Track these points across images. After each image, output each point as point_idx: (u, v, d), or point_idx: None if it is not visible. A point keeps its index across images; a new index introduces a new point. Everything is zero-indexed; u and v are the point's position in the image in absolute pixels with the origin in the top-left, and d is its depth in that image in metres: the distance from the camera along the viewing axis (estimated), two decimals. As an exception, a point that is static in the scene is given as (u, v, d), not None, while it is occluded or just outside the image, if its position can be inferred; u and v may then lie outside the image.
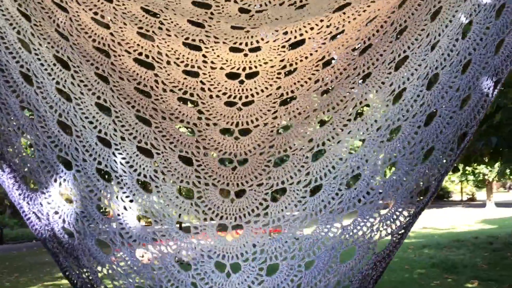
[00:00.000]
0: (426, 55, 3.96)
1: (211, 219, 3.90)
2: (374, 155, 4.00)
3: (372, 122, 4.00)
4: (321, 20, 3.80)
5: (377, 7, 3.89)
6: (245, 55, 3.65)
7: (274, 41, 3.81)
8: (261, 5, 3.97)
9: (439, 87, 3.98)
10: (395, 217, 3.84)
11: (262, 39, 3.82)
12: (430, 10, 3.96)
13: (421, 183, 3.93)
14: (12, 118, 3.84)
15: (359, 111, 4.00)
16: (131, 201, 3.96)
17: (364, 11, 3.84)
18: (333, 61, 3.97)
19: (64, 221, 3.78)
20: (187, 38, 3.76)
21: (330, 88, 3.98)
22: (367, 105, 3.99)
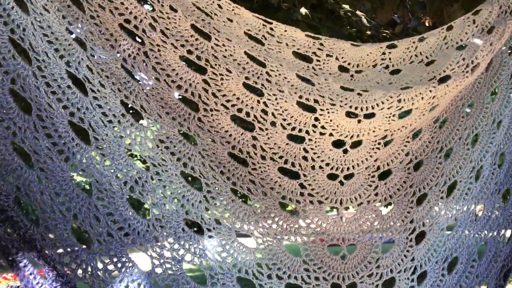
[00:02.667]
0: (494, 134, 2.40)
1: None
2: (467, 235, 2.29)
3: (461, 201, 2.30)
4: (430, 91, 2.06)
5: (469, 82, 2.22)
6: (359, 121, 2.03)
7: (388, 108, 2.04)
8: (358, 65, 2.16)
9: (507, 166, 2.47)
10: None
11: (377, 105, 2.02)
12: (488, 89, 2.41)
13: (507, 263, 2.33)
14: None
15: (449, 188, 2.28)
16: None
17: (460, 85, 2.14)
18: (420, 133, 2.28)
19: None
20: (301, 97, 1.90)
21: (420, 162, 2.27)
22: (455, 182, 2.30)
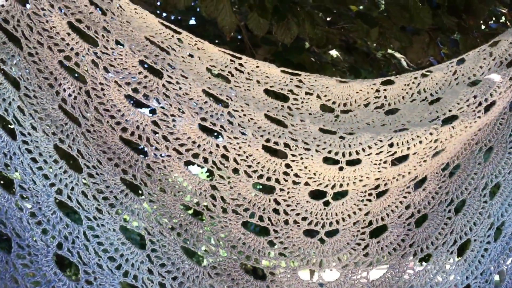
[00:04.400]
0: None
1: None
2: None
3: (476, 264, 1.86)
4: (431, 134, 1.72)
5: (481, 122, 1.87)
6: (341, 169, 1.70)
7: (377, 153, 1.70)
8: (345, 104, 1.85)
9: None
10: None
11: (363, 150, 1.69)
12: None
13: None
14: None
15: (460, 248, 1.88)
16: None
17: (470, 126, 1.79)
18: (424, 183, 1.91)
19: None
20: (267, 140, 1.60)
21: (424, 216, 1.88)
22: (468, 241, 1.89)
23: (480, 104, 1.78)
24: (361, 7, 4.31)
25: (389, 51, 5.36)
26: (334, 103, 1.81)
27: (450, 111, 1.78)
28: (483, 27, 4.50)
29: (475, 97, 1.79)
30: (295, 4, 3.40)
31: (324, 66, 4.48)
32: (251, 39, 4.06)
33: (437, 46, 4.40)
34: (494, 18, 4.16)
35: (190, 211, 1.60)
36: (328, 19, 4.51)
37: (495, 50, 1.90)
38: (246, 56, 1.70)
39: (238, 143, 1.55)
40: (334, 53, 5.14)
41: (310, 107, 1.76)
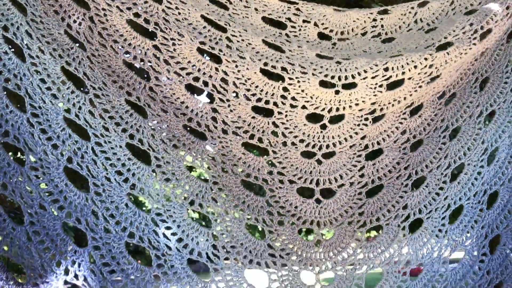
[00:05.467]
0: None
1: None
2: (476, 226, 1.89)
3: (469, 186, 1.91)
4: (425, 59, 1.73)
5: (477, 50, 1.87)
6: (337, 92, 1.73)
7: (373, 77, 1.72)
8: (342, 33, 1.86)
9: None
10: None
11: (359, 74, 1.71)
12: (510, 62, 2.03)
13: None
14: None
15: (454, 171, 1.93)
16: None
17: (465, 53, 1.79)
18: (420, 110, 1.94)
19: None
20: (265, 64, 1.64)
21: (420, 141, 1.93)
22: (462, 165, 1.94)
23: (476, 31, 1.79)
24: None
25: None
26: (331, 31, 1.84)
27: (445, 38, 1.80)
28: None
29: (471, 24, 1.79)
30: None
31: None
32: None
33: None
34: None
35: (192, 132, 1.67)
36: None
37: None
38: None
39: (236, 67, 1.60)
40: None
41: (308, 35, 1.80)
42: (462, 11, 1.93)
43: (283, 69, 1.63)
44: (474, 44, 1.80)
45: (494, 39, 1.95)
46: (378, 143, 1.83)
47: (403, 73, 1.72)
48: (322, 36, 1.82)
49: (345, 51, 1.80)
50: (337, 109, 1.73)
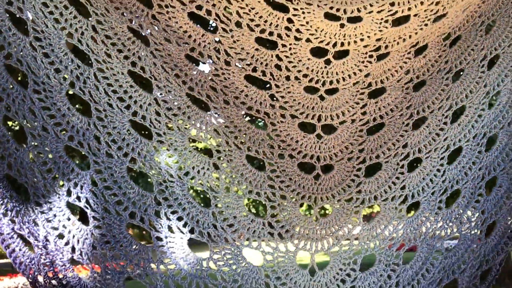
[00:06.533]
0: None
1: (288, 243, 1.66)
2: (474, 167, 1.87)
3: (469, 128, 1.90)
4: None
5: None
6: (342, 25, 1.68)
7: (378, 12, 1.65)
8: None
9: None
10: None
11: (365, 8, 1.64)
12: None
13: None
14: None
15: (455, 113, 1.91)
16: (179, 218, 1.56)
17: None
18: (425, 50, 1.88)
19: (73, 249, 1.40)
20: None
21: (423, 82, 1.89)
22: (463, 107, 1.91)
23: None
24: None
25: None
26: None
27: None
28: None
29: None
30: None
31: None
32: None
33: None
34: None
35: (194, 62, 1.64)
36: None
37: None
38: None
39: (240, -5, 1.55)
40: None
41: None
42: None
43: (288, -1, 1.58)
44: None
45: (504, -20, 1.90)
46: (382, 82, 1.80)
47: (409, 9, 1.67)
48: None
49: None
50: (342, 44, 1.69)
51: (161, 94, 1.54)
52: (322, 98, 1.72)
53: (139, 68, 1.52)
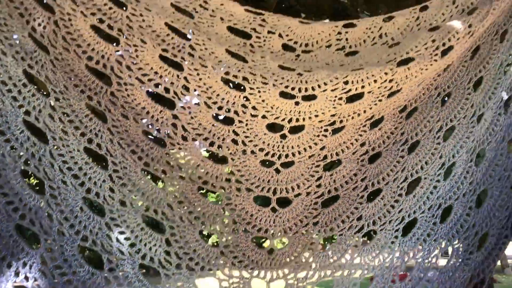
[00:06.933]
0: (473, 128, 2.02)
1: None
2: (428, 239, 1.91)
3: (424, 199, 1.93)
4: (386, 73, 1.74)
5: (438, 66, 1.90)
6: (296, 103, 1.77)
7: (332, 90, 1.74)
8: (306, 45, 1.86)
9: (486, 164, 2.05)
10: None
11: (319, 86, 1.73)
12: (471, 79, 2.03)
13: (478, 274, 1.92)
14: None
15: (410, 185, 1.94)
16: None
17: (426, 69, 1.82)
18: (380, 123, 1.96)
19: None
20: (227, 73, 1.67)
21: (378, 154, 1.95)
22: (418, 179, 1.95)
23: (437, 48, 1.81)
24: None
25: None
26: (295, 43, 1.85)
27: (407, 53, 1.81)
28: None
29: (433, 41, 1.81)
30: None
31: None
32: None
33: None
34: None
35: (151, 137, 1.67)
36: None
37: None
38: None
39: (198, 74, 1.60)
40: (326, 21, 5.07)
41: (272, 46, 1.80)
42: (427, 27, 1.95)
43: (244, 78, 1.64)
44: (435, 60, 1.82)
45: (456, 56, 1.98)
46: (337, 154, 1.85)
47: (363, 86, 1.74)
48: (286, 47, 1.82)
49: (308, 63, 1.81)
50: (297, 120, 1.74)
51: (115, 170, 1.56)
52: (277, 171, 1.76)
53: (95, 144, 1.55)
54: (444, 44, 1.81)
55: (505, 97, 2.13)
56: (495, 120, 2.06)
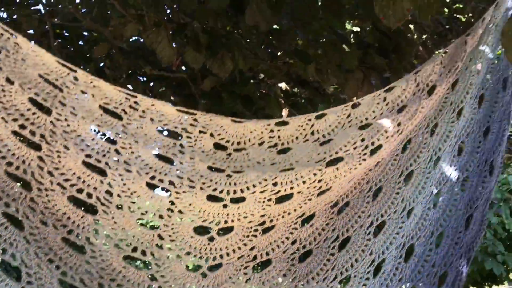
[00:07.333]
0: (403, 223, 2.04)
1: None
2: None
3: None
4: (314, 174, 1.78)
5: (367, 166, 1.97)
6: (225, 206, 1.58)
7: (262, 192, 1.75)
8: (239, 143, 1.87)
9: (415, 260, 2.08)
10: None
11: (248, 188, 1.74)
12: (402, 173, 2.09)
13: None
14: None
15: (341, 283, 1.95)
16: None
17: (355, 168, 1.87)
18: (312, 219, 1.97)
19: None
20: (152, 177, 1.63)
21: (309, 251, 1.95)
22: (348, 278, 1.97)
23: (366, 147, 1.85)
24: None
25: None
26: (227, 141, 1.86)
27: (336, 153, 1.85)
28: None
29: (362, 140, 1.85)
30: (228, 40, 3.47)
31: (268, 99, 4.54)
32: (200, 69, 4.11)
33: (370, 84, 4.56)
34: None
35: (71, 244, 1.61)
36: (278, 54, 4.59)
37: (389, 95, 1.98)
38: (156, 100, 1.72)
39: (122, 180, 1.58)
40: (283, 85, 5.21)
41: (203, 145, 1.81)
42: (357, 124, 2.00)
43: (171, 182, 1.62)
44: (364, 160, 1.86)
45: (386, 154, 2.03)
46: (267, 254, 1.83)
47: (292, 187, 1.75)
48: (218, 146, 1.84)
49: (239, 162, 1.82)
50: (225, 222, 1.73)
51: (29, 282, 1.49)
52: (204, 275, 1.72)
53: (10, 255, 1.48)
54: (373, 143, 1.86)
55: (435, 191, 2.19)
56: (424, 215, 2.10)
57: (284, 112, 5.11)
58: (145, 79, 4.62)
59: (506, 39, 1.73)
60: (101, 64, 4.44)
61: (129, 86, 4.44)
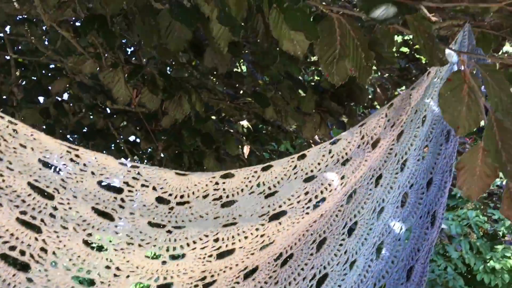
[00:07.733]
0: (345, 275, 2.09)
1: None
2: None
3: None
4: (257, 229, 1.77)
5: (311, 218, 1.99)
6: (164, 262, 1.48)
7: (202, 248, 1.74)
8: (182, 196, 1.84)
9: None
10: None
11: (188, 245, 1.73)
12: (346, 224, 2.14)
13: None
14: None
15: None
16: None
17: (298, 222, 1.86)
18: (254, 273, 1.96)
19: None
20: (89, 234, 1.63)
21: None
22: None
23: (310, 200, 1.87)
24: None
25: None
26: (170, 195, 1.85)
27: (280, 206, 1.87)
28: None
29: (306, 193, 1.88)
30: (186, 83, 3.50)
31: (227, 137, 4.56)
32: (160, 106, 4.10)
33: (327, 127, 4.65)
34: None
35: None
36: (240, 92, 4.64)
37: (335, 147, 2.01)
38: (89, 151, 1.71)
39: (58, 237, 1.55)
40: (245, 123, 5.25)
41: (145, 199, 1.79)
42: (303, 177, 2.03)
43: (108, 240, 1.60)
44: (307, 213, 1.88)
45: (329, 207, 2.06)
46: (208, 310, 1.81)
47: (233, 243, 1.75)
48: (160, 200, 1.83)
49: (181, 216, 1.81)
50: (165, 278, 1.70)
51: None
52: None
53: None
54: (316, 197, 1.89)
55: (378, 242, 2.24)
56: (366, 267, 2.13)
57: (246, 149, 5.15)
58: (108, 111, 4.57)
59: (443, 100, 1.80)
60: (60, 99, 4.38)
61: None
